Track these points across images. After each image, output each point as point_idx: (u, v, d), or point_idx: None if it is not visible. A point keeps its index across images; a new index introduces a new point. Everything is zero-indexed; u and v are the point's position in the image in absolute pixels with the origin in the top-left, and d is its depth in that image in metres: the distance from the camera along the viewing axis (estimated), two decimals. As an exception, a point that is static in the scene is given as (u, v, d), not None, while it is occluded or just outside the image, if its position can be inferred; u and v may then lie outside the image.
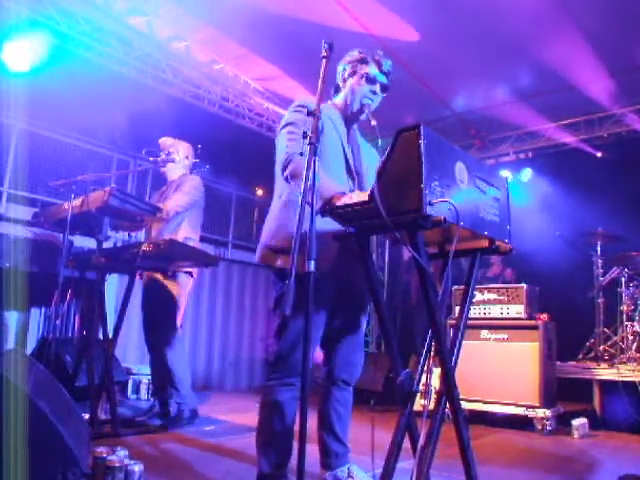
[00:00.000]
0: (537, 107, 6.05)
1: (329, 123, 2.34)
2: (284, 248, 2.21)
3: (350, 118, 2.44)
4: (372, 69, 2.37)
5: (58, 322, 4.86)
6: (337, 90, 2.50)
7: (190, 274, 3.97)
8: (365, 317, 2.47)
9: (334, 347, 2.40)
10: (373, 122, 2.24)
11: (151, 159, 4.19)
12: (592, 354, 5.02)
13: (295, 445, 1.67)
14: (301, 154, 1.74)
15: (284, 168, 2.18)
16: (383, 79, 2.39)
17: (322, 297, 2.17)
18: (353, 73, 2.38)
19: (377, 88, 2.39)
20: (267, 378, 2.29)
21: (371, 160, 2.49)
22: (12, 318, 4.70)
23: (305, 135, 1.76)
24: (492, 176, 1.99)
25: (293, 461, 1.81)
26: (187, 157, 4.23)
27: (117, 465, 2.14)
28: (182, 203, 3.93)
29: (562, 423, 4.15)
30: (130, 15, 4.73)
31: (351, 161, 2.37)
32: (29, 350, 4.59)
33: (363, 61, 2.37)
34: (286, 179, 2.21)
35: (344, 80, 2.44)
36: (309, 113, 1.85)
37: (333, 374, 2.40)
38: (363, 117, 2.41)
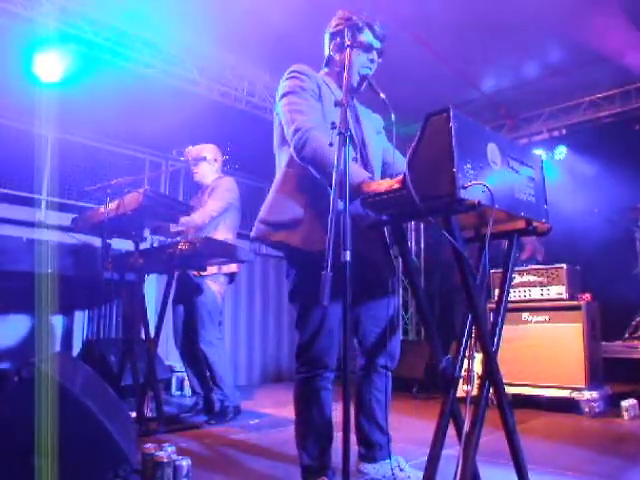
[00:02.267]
0: (569, 82, 5.88)
1: (325, 88, 2.20)
2: (281, 222, 2.12)
3: (351, 91, 2.16)
4: (367, 36, 2.21)
5: (101, 324, 4.98)
6: (329, 61, 2.35)
7: (232, 277, 4.03)
8: (393, 300, 2.33)
9: (367, 333, 2.32)
10: (382, 95, 2.05)
11: (182, 159, 4.24)
12: (639, 333, 4.88)
13: (338, 435, 1.66)
14: (330, 145, 1.71)
15: (300, 147, 2.03)
16: (378, 45, 2.24)
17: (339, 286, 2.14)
18: (346, 43, 2.06)
19: (374, 55, 2.24)
20: (294, 372, 2.26)
21: (369, 125, 2.37)
22: (57, 322, 4.84)
23: (334, 126, 1.73)
24: (526, 155, 1.95)
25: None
26: (216, 159, 4.25)
27: (165, 461, 2.18)
28: (216, 208, 3.97)
29: (611, 405, 4.05)
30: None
31: (353, 129, 2.17)
32: (75, 352, 4.71)
33: (356, 28, 2.18)
34: (302, 159, 2.05)
35: (337, 51, 2.28)
36: (336, 103, 1.82)
37: (370, 360, 2.33)
38: (363, 88, 2.25)
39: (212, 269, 3.88)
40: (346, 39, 2.13)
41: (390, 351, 2.35)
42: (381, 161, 2.41)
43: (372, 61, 2.25)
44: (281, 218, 2.14)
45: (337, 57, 2.30)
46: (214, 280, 3.94)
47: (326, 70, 2.38)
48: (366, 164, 2.29)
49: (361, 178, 1.86)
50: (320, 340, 2.14)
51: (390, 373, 2.38)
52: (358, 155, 2.25)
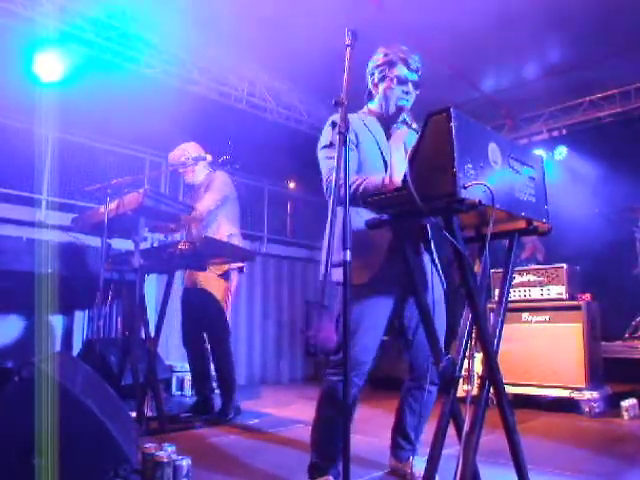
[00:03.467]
0: (569, 82, 5.88)
1: (363, 129, 2.36)
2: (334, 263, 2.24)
3: (388, 121, 2.42)
4: (401, 70, 2.34)
5: (101, 324, 4.98)
6: (370, 96, 2.49)
7: (241, 270, 4.05)
8: (443, 313, 2.43)
9: (412, 346, 2.39)
10: (414, 125, 2.28)
11: (171, 168, 4.26)
12: (639, 333, 4.88)
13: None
14: (331, 144, 1.73)
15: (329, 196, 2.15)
16: (414, 77, 2.37)
17: (378, 298, 2.25)
18: (383, 77, 2.35)
19: (409, 87, 2.37)
20: (326, 373, 2.31)
21: None
22: (57, 322, 4.83)
23: (334, 125, 1.75)
24: (526, 155, 1.95)
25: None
26: (200, 155, 4.19)
27: (165, 460, 2.18)
28: (213, 201, 3.97)
29: (611, 405, 4.05)
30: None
31: (387, 158, 2.35)
32: (75, 352, 4.71)
33: (391, 63, 2.34)
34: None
35: (375, 85, 2.43)
36: (336, 103, 1.83)
37: (415, 373, 2.42)
38: (401, 119, 2.41)
39: (223, 267, 3.89)
40: (377, 74, 2.37)
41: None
42: None
43: (407, 93, 2.37)
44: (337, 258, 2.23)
45: (374, 91, 2.45)
46: (224, 278, 3.95)
47: (368, 105, 2.51)
48: None
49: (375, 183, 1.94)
50: (358, 344, 2.20)
51: (435, 388, 2.38)
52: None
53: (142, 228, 3.60)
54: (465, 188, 1.56)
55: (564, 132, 6.69)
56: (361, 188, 2.11)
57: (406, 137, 2.46)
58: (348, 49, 2.00)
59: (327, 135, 2.33)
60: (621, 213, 5.25)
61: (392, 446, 2.53)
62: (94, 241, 4.01)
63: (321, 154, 2.34)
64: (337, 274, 2.25)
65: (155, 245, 3.86)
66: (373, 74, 2.43)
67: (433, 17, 4.67)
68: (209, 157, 4.17)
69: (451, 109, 1.62)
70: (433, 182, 1.63)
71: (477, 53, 5.35)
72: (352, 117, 2.34)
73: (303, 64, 5.45)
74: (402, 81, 2.35)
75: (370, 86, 2.47)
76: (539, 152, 6.18)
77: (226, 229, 3.97)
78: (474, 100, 6.33)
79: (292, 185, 8.23)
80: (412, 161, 1.68)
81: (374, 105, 2.46)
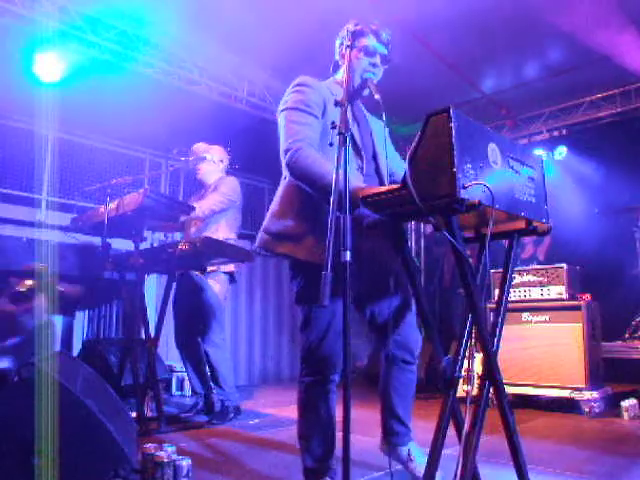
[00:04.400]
0: (569, 82, 5.88)
1: (331, 99, 2.16)
2: (286, 234, 2.16)
3: (352, 94, 2.23)
4: (370, 40, 2.23)
5: (101, 324, 4.98)
6: (336, 67, 2.39)
7: (232, 276, 4.03)
8: (408, 295, 2.34)
9: (385, 329, 2.30)
10: (377, 95, 2.11)
11: (183, 159, 4.24)
12: (639, 333, 4.88)
13: (339, 436, 1.66)
14: (330, 144, 1.71)
15: (289, 166, 2.09)
16: (383, 50, 2.26)
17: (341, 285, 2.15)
18: (351, 47, 2.11)
19: (377, 60, 2.26)
20: (299, 374, 2.26)
21: (378, 133, 2.40)
22: (57, 322, 4.83)
23: (334, 126, 1.74)
24: (526, 156, 1.95)
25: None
26: (221, 160, 4.26)
27: (165, 461, 2.18)
28: (217, 202, 3.97)
29: (611, 405, 4.05)
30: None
31: (357, 138, 2.25)
32: (75, 352, 4.71)
33: (360, 33, 2.22)
34: (293, 177, 2.12)
35: (342, 55, 2.30)
36: (336, 103, 1.83)
37: (391, 354, 2.33)
38: (366, 92, 2.27)
39: (212, 267, 3.88)
40: (346, 40, 2.16)
41: (404, 344, 2.33)
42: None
43: (375, 65, 2.25)
44: (285, 229, 2.17)
45: (341, 62, 2.34)
46: (216, 279, 3.94)
47: (334, 76, 2.40)
48: (381, 178, 2.31)
49: (355, 185, 1.85)
50: (327, 342, 2.14)
51: (413, 367, 2.38)
52: (364, 163, 2.26)
53: (142, 228, 3.61)
54: (465, 188, 1.56)
55: (564, 132, 6.68)
56: (306, 171, 2.02)
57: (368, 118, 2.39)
58: (348, 50, 2.00)
59: (293, 97, 2.19)
60: (621, 213, 5.24)
61: (385, 433, 2.42)
62: (94, 241, 4.02)
63: (282, 115, 2.18)
64: (286, 247, 2.15)
65: (155, 245, 3.86)
66: (342, 43, 2.30)
67: (433, 17, 4.66)
68: (208, 157, 4.18)
69: (451, 109, 1.62)
70: (433, 182, 1.63)
71: (477, 53, 5.34)
72: (320, 84, 2.26)
73: (303, 64, 5.44)
74: (370, 52, 2.24)
75: (337, 56, 2.36)
76: (539, 152, 6.20)
77: (223, 233, 3.97)
78: (474, 100, 6.33)
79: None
80: (411, 161, 1.68)
81: (339, 75, 2.33)
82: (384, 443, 2.44)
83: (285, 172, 2.22)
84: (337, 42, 2.37)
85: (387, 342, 2.32)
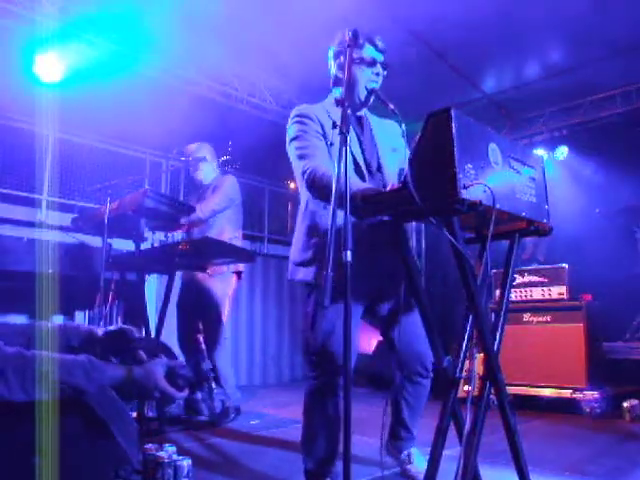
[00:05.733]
0: (570, 82, 5.87)
1: (328, 122, 2.23)
2: (300, 261, 2.27)
3: (358, 107, 2.32)
4: (369, 51, 2.26)
5: (102, 324, 4.97)
6: (336, 81, 2.36)
7: (239, 275, 4.04)
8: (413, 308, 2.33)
9: (395, 339, 2.33)
10: (391, 105, 2.12)
11: (183, 159, 4.24)
12: (640, 333, 4.87)
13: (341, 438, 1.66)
14: (331, 144, 1.73)
15: (310, 187, 2.16)
16: (381, 57, 2.28)
17: (355, 298, 2.15)
18: (350, 60, 2.00)
19: (379, 68, 2.28)
20: (307, 376, 2.29)
21: (385, 142, 2.40)
22: (57, 322, 4.83)
23: (335, 125, 1.74)
24: (527, 156, 1.94)
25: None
26: (215, 158, 4.26)
27: (166, 461, 2.18)
28: (218, 202, 3.97)
29: (612, 405, 4.04)
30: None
31: (359, 158, 2.26)
32: (76, 352, 4.70)
33: (357, 45, 2.15)
34: (315, 197, 2.19)
35: (341, 69, 2.28)
36: (337, 102, 1.84)
37: (404, 368, 2.39)
38: (371, 101, 2.31)
39: (221, 268, 3.89)
40: (346, 57, 2.05)
41: (419, 357, 2.36)
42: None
43: (377, 74, 2.28)
44: (300, 257, 2.29)
45: (341, 76, 2.28)
46: (223, 280, 3.95)
47: (334, 93, 2.40)
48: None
49: (356, 187, 1.87)
50: (334, 343, 2.16)
51: (426, 382, 2.41)
52: (368, 180, 2.26)
53: (142, 228, 3.60)
54: (465, 188, 1.56)
55: (565, 132, 6.67)
56: (326, 189, 1.97)
57: (375, 128, 2.41)
58: (348, 49, 2.00)
59: (295, 128, 2.28)
60: (621, 213, 5.24)
61: (390, 438, 2.52)
62: (95, 241, 4.01)
63: (291, 146, 2.28)
64: (301, 273, 2.26)
65: (155, 245, 3.86)
66: (338, 57, 2.30)
67: (433, 17, 4.66)
68: (209, 157, 4.18)
69: (451, 109, 1.61)
70: (433, 182, 1.63)
71: (478, 53, 5.34)
72: (315, 108, 2.30)
73: (303, 64, 5.44)
74: (371, 62, 2.25)
75: (334, 71, 2.35)
76: (540, 152, 6.18)
77: (228, 233, 3.98)
78: (475, 100, 6.33)
79: (292, 185, 8.21)
80: (412, 161, 1.67)
81: (338, 93, 2.35)
82: (389, 442, 2.53)
83: (304, 197, 2.32)
84: (330, 53, 2.36)
85: (401, 353, 2.36)
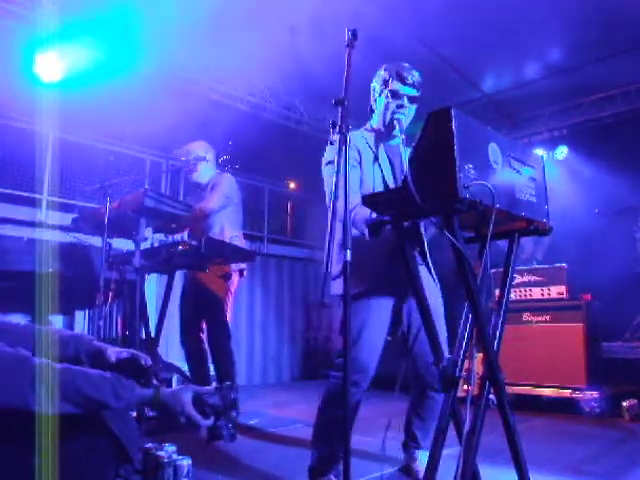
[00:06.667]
0: (570, 82, 5.87)
1: (365, 148, 2.47)
2: (335, 275, 2.36)
3: (385, 134, 2.53)
4: (396, 85, 2.45)
5: (101, 323, 4.97)
6: (371, 111, 2.61)
7: (242, 273, 4.03)
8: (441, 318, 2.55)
9: (411, 354, 2.49)
10: (402, 136, 2.41)
11: (183, 158, 4.23)
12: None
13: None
14: (331, 143, 1.76)
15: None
16: (409, 91, 2.46)
17: (379, 302, 2.34)
18: (380, 92, 2.49)
19: (404, 101, 2.46)
20: (330, 375, 2.38)
21: None
22: (57, 322, 4.83)
23: (334, 125, 1.76)
24: (527, 155, 1.94)
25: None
26: (212, 156, 4.24)
27: (166, 460, 2.18)
28: (217, 202, 3.96)
29: (612, 405, 4.05)
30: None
31: (388, 177, 2.44)
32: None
33: (387, 79, 2.47)
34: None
35: (374, 101, 2.57)
36: (336, 102, 1.84)
37: (419, 380, 2.52)
38: (396, 132, 2.48)
39: (224, 267, 3.89)
40: (375, 92, 2.54)
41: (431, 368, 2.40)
42: None
43: (402, 106, 2.47)
44: (335, 271, 2.37)
45: (374, 106, 2.60)
46: (225, 279, 3.95)
47: (371, 121, 2.63)
48: None
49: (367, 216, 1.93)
50: (362, 348, 2.29)
51: (439, 396, 2.41)
52: None
53: (142, 228, 3.60)
54: (466, 188, 1.56)
55: (565, 132, 6.68)
56: (355, 216, 2.10)
57: (403, 153, 2.53)
58: (348, 49, 2.00)
59: (330, 152, 2.41)
60: (621, 213, 5.24)
61: (403, 444, 2.65)
62: (94, 241, 4.01)
63: (325, 171, 2.46)
64: (336, 287, 2.33)
65: (155, 245, 3.85)
66: (374, 89, 2.56)
67: (434, 17, 4.66)
68: (208, 156, 4.17)
69: (451, 109, 1.62)
70: (433, 182, 1.63)
71: (478, 53, 5.34)
72: (354, 135, 2.47)
73: (303, 64, 5.44)
74: (397, 95, 2.46)
75: (371, 101, 2.61)
76: (540, 152, 6.18)
77: (229, 232, 3.97)
78: (475, 100, 6.33)
79: (292, 185, 8.22)
80: (412, 161, 1.67)
81: (374, 120, 2.59)
82: (404, 440, 2.66)
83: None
84: (371, 88, 2.60)
85: (418, 366, 2.49)
